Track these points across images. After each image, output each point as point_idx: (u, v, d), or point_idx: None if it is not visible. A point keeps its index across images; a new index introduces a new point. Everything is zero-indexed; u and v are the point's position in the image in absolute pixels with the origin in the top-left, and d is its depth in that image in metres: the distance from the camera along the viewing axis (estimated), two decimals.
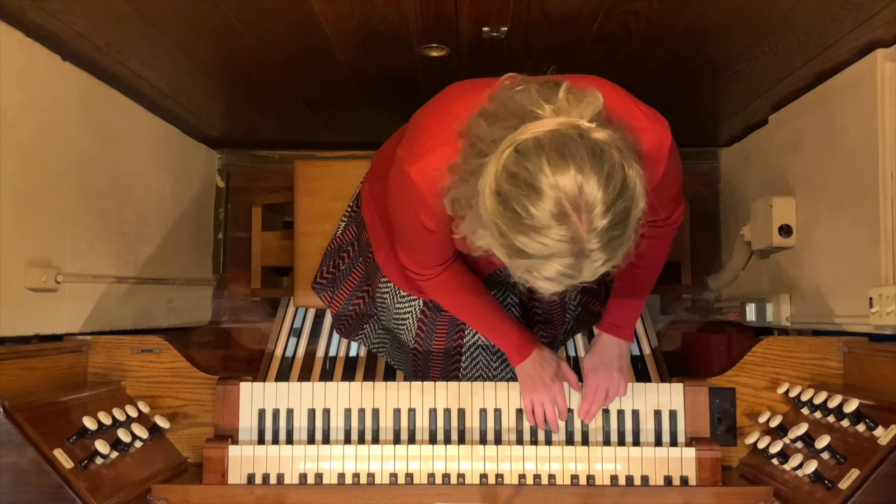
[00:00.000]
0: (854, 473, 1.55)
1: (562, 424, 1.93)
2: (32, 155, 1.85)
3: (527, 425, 1.95)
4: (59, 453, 1.58)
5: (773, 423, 1.88)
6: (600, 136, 1.26)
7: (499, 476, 1.86)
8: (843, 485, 1.55)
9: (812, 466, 1.63)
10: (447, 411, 1.95)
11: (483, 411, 1.96)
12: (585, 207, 1.23)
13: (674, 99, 2.44)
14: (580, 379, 1.95)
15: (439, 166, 1.44)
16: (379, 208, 1.95)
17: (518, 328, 1.91)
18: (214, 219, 3.07)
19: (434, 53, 2.02)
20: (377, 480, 1.86)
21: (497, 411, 1.95)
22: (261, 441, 1.96)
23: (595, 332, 1.97)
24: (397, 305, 2.05)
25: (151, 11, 1.75)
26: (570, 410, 1.94)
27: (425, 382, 1.97)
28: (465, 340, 2.03)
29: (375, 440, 1.95)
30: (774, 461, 1.77)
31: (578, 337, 2.45)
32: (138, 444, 1.83)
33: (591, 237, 1.25)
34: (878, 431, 1.58)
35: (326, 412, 1.96)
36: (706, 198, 3.07)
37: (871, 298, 1.78)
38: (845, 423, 1.69)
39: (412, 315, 2.04)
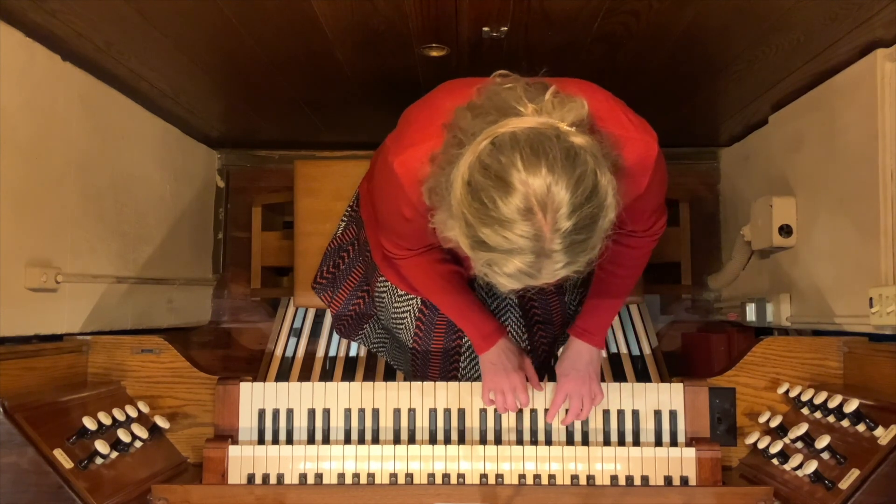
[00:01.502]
0: (854, 473, 1.55)
1: (559, 423, 1.93)
2: (32, 155, 1.85)
3: (527, 425, 1.95)
4: (59, 453, 1.58)
5: (774, 423, 1.88)
6: (577, 140, 1.27)
7: (499, 476, 1.86)
8: (844, 485, 1.55)
9: (812, 466, 1.63)
10: (447, 411, 1.96)
11: (483, 411, 1.96)
12: (552, 206, 1.24)
13: (674, 99, 2.45)
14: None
15: (422, 159, 1.45)
16: (372, 201, 1.96)
17: (486, 317, 1.92)
18: (214, 219, 3.07)
19: (434, 53, 2.02)
20: (377, 480, 1.86)
21: (497, 411, 1.95)
22: (261, 441, 1.96)
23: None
24: (395, 305, 2.05)
25: (151, 11, 1.75)
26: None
27: (425, 382, 1.97)
28: (463, 341, 2.03)
29: (375, 440, 1.95)
30: (774, 461, 1.77)
31: None
32: (138, 444, 1.83)
33: (554, 237, 1.25)
34: (878, 431, 1.58)
35: (326, 412, 1.96)
36: (706, 198, 3.07)
37: (871, 298, 1.78)
38: (845, 423, 1.69)
39: (410, 314, 2.04)
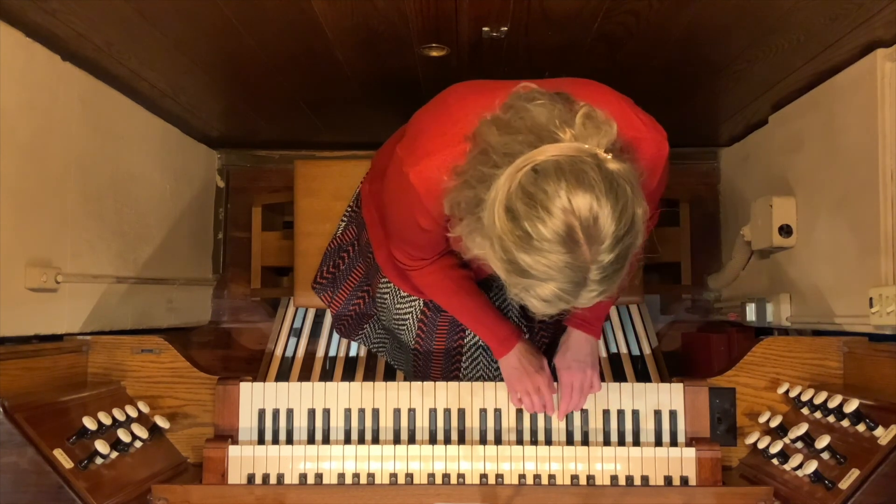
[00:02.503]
0: (854, 473, 1.55)
1: (559, 423, 1.93)
2: (32, 155, 1.85)
3: (527, 425, 1.95)
4: (59, 453, 1.58)
5: (774, 423, 1.88)
6: (615, 167, 1.27)
7: (499, 476, 1.86)
8: (844, 485, 1.55)
9: (812, 466, 1.63)
10: (447, 411, 1.96)
11: (483, 411, 1.96)
12: (597, 238, 1.25)
13: (674, 99, 2.44)
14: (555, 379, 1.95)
15: (439, 169, 1.44)
16: (379, 208, 1.95)
17: (502, 321, 1.92)
18: (214, 219, 3.07)
19: (434, 53, 2.02)
20: (377, 480, 1.86)
21: (497, 411, 1.95)
22: (261, 441, 1.96)
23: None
24: (398, 306, 2.05)
25: (151, 11, 1.75)
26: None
27: (425, 382, 1.97)
28: (465, 341, 2.04)
29: (375, 440, 1.95)
30: (774, 461, 1.77)
31: None
32: (138, 444, 1.83)
33: (594, 268, 1.26)
34: (878, 431, 1.58)
35: (326, 412, 1.96)
36: (706, 198, 3.07)
37: (871, 298, 1.78)
38: (845, 423, 1.69)
39: (412, 315, 2.04)
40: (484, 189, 1.32)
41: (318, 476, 1.87)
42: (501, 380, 2.00)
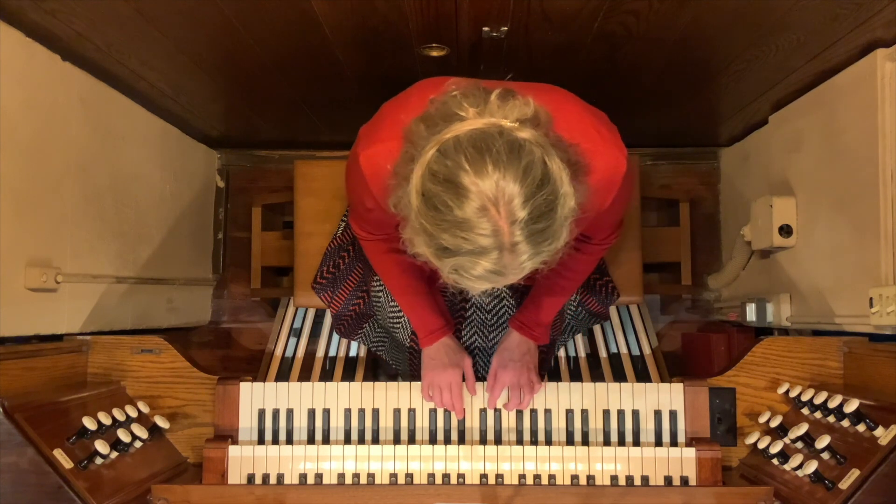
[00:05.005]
0: (854, 473, 1.55)
1: (559, 423, 1.93)
2: (32, 155, 1.85)
3: (527, 425, 1.95)
4: (58, 453, 1.58)
5: (774, 424, 1.88)
6: (521, 133, 1.27)
7: (499, 476, 1.86)
8: (844, 485, 1.55)
9: (812, 466, 1.63)
10: (447, 411, 1.95)
11: (483, 411, 1.96)
12: (503, 200, 1.24)
13: (674, 99, 2.45)
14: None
15: (384, 157, 1.46)
16: None
17: (435, 314, 1.93)
18: (214, 219, 3.07)
19: (434, 53, 2.02)
20: (377, 480, 1.86)
21: (497, 411, 1.95)
22: (261, 441, 1.96)
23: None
24: (391, 304, 2.05)
25: (151, 11, 1.75)
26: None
27: None
28: (460, 341, 2.03)
29: (375, 440, 1.95)
30: (775, 461, 1.77)
31: (578, 337, 2.45)
32: (138, 444, 1.83)
33: (513, 229, 1.25)
34: (879, 431, 1.58)
35: (326, 412, 1.96)
36: (706, 198, 3.07)
37: (871, 298, 1.78)
38: (845, 423, 1.69)
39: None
40: (409, 183, 1.32)
41: (318, 476, 1.87)
42: None
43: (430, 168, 1.27)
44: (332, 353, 2.57)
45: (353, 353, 2.58)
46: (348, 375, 2.51)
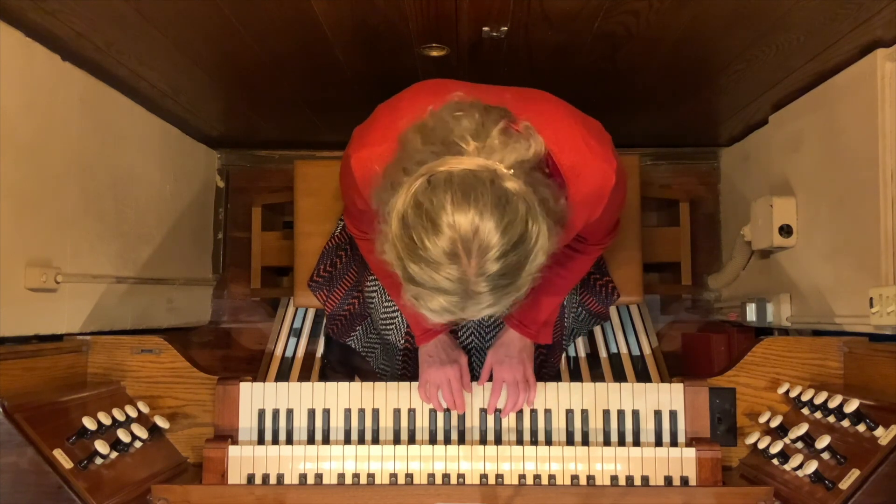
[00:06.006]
0: (854, 473, 1.55)
1: (559, 423, 1.93)
2: (32, 155, 1.85)
3: (527, 425, 1.95)
4: (58, 453, 1.58)
5: (774, 424, 1.88)
6: (512, 185, 1.28)
7: (499, 476, 1.86)
8: (844, 485, 1.55)
9: (812, 466, 1.63)
10: (447, 411, 1.95)
11: (483, 411, 1.96)
12: (478, 251, 1.25)
13: (674, 99, 2.45)
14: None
15: (374, 161, 1.47)
16: None
17: None
18: (214, 219, 3.07)
19: (434, 53, 2.02)
20: (377, 480, 1.86)
21: (497, 411, 1.95)
22: (261, 441, 1.96)
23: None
24: (385, 304, 2.05)
25: (151, 11, 1.75)
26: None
27: None
28: (459, 339, 2.03)
29: (375, 440, 1.95)
30: (775, 461, 1.77)
31: (578, 339, 2.45)
32: (138, 444, 1.83)
33: (479, 280, 1.27)
34: (879, 431, 1.58)
35: (326, 412, 1.96)
36: (706, 198, 3.07)
37: (871, 298, 1.78)
38: (845, 423, 1.69)
39: (401, 313, 2.04)
40: (394, 195, 1.33)
41: (318, 476, 1.87)
42: None
43: (416, 198, 1.28)
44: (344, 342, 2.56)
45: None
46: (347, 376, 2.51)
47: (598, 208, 1.53)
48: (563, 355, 2.41)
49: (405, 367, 2.11)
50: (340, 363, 2.63)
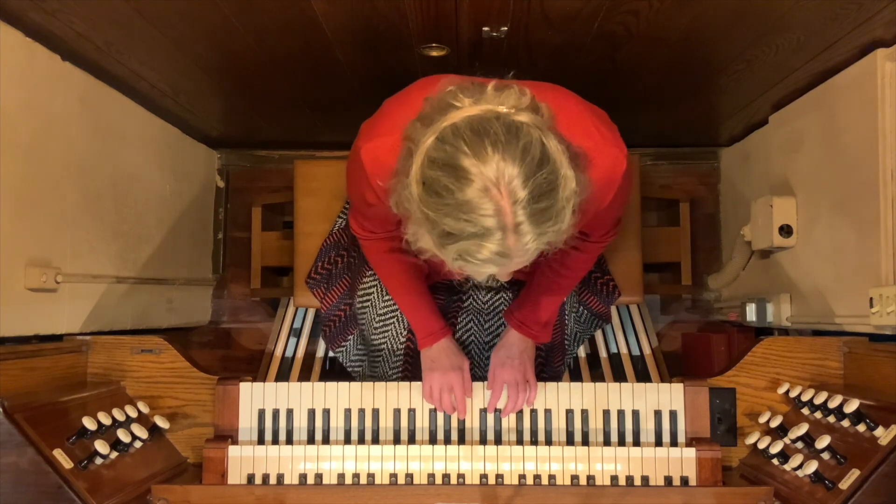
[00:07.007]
0: (854, 473, 1.55)
1: (559, 423, 1.93)
2: (32, 155, 1.85)
3: (527, 425, 1.95)
4: (58, 453, 1.58)
5: (774, 424, 1.88)
6: (519, 117, 1.28)
7: (499, 476, 1.86)
8: (844, 485, 1.55)
9: (812, 467, 1.63)
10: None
11: (483, 411, 1.96)
12: (504, 180, 1.24)
13: (674, 99, 2.45)
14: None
15: (384, 150, 1.47)
16: None
17: (436, 315, 1.93)
18: (214, 219, 3.07)
19: (434, 53, 2.02)
20: (377, 481, 1.86)
21: (497, 411, 1.95)
22: (261, 441, 1.95)
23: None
24: (382, 305, 2.05)
25: (151, 11, 1.75)
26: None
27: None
28: (455, 336, 2.03)
29: (375, 440, 1.95)
30: (775, 461, 1.77)
31: None
32: (138, 444, 1.83)
33: (515, 209, 1.25)
34: (879, 431, 1.58)
35: (326, 412, 1.96)
36: (706, 198, 3.07)
37: (871, 298, 1.78)
38: (846, 423, 1.69)
39: (399, 313, 2.04)
40: (408, 176, 1.32)
41: (318, 476, 1.87)
42: None
43: (429, 155, 1.27)
44: (332, 353, 2.57)
45: None
46: (347, 375, 2.51)
47: (609, 193, 1.52)
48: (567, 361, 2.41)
49: (405, 368, 2.10)
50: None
